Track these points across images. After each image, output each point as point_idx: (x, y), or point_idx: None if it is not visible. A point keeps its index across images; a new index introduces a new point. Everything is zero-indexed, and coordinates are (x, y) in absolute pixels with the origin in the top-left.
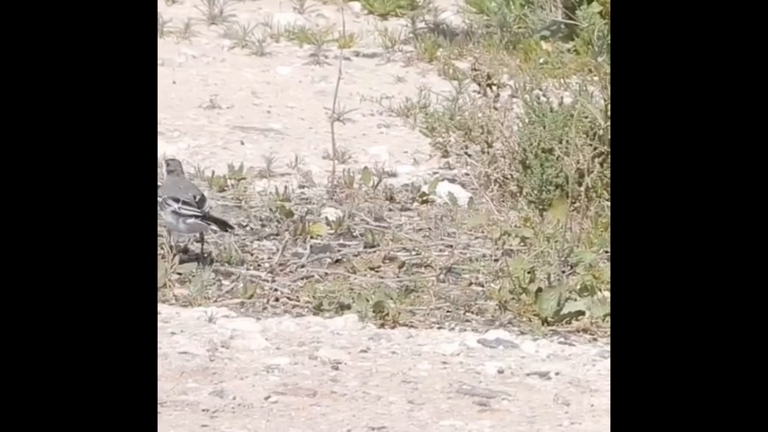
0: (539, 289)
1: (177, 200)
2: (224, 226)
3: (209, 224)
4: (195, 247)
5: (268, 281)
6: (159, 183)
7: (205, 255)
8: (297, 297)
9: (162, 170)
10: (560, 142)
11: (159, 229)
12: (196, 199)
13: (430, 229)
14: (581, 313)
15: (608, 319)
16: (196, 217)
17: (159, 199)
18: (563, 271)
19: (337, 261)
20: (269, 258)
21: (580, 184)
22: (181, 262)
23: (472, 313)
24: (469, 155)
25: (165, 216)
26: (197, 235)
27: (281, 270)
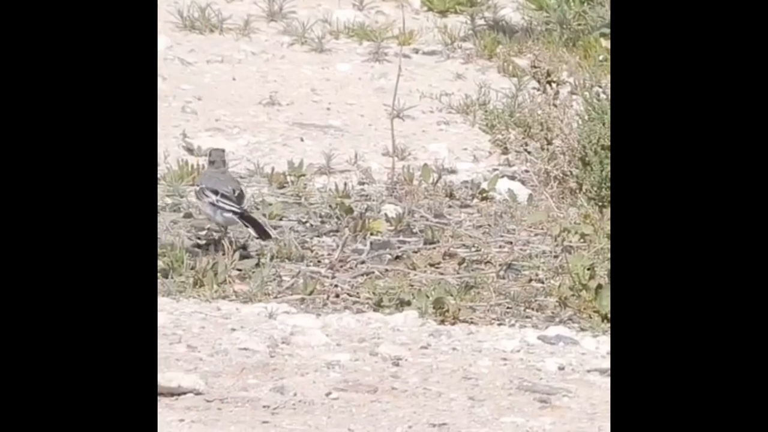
0: (599, 286)
1: (216, 192)
2: (263, 234)
3: (246, 225)
4: (255, 244)
5: (328, 277)
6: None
7: (224, 242)
8: (357, 293)
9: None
10: None
11: (212, 224)
12: (236, 194)
13: (489, 225)
14: None
15: None
16: (234, 213)
17: (197, 188)
18: None
19: (397, 257)
20: (329, 254)
21: None
22: (241, 258)
23: (532, 309)
24: (529, 152)
25: (202, 206)
26: (236, 228)
27: (341, 266)
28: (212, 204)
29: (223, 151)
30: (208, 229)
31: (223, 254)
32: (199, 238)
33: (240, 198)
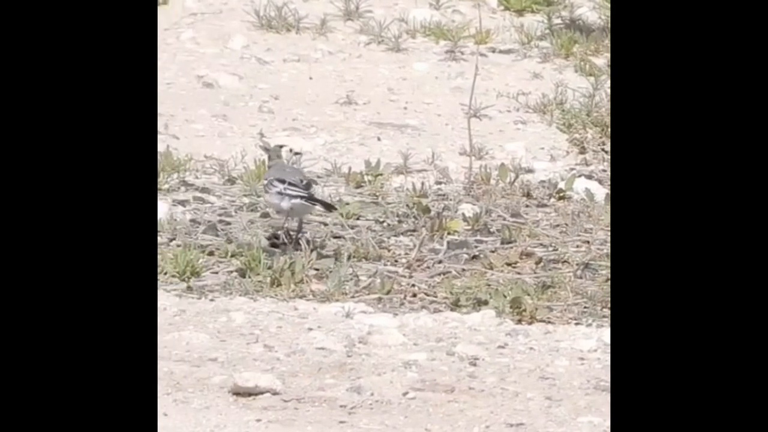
0: None
1: (283, 181)
2: (329, 206)
3: (314, 204)
4: (332, 243)
5: (405, 277)
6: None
7: (301, 242)
8: (434, 293)
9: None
10: None
11: (290, 223)
12: (303, 183)
13: (566, 225)
14: None
15: None
16: (302, 198)
17: (264, 182)
18: None
19: (474, 257)
20: (406, 254)
21: None
22: (318, 258)
23: (609, 308)
24: (606, 151)
25: (269, 198)
26: (300, 221)
27: (418, 266)
28: (279, 193)
29: (280, 147)
30: (286, 228)
31: (301, 253)
32: (276, 237)
33: (308, 186)
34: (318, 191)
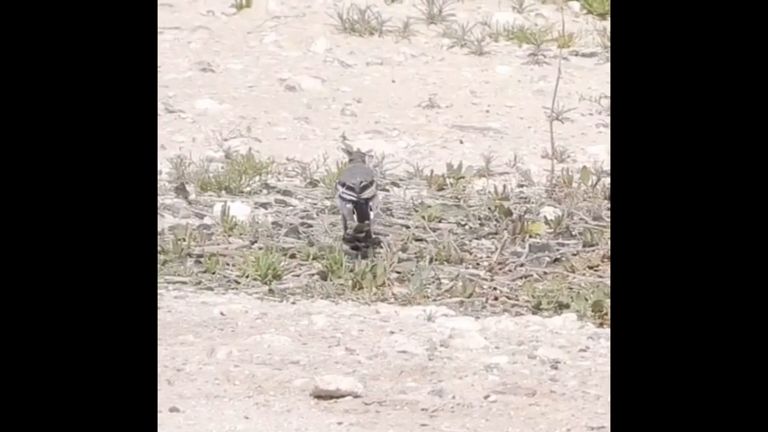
0: None
1: (343, 184)
2: (362, 217)
3: (353, 212)
4: (414, 246)
5: (487, 280)
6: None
7: (386, 249)
8: (516, 296)
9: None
10: None
11: (376, 227)
12: (361, 185)
13: None
14: None
15: None
16: (352, 202)
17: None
18: None
19: (556, 260)
20: (488, 257)
21: None
22: (400, 261)
23: None
24: None
25: (336, 202)
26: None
27: (500, 269)
28: (340, 197)
29: (364, 154)
30: (367, 231)
31: (383, 256)
32: (358, 240)
33: (363, 188)
34: (399, 194)
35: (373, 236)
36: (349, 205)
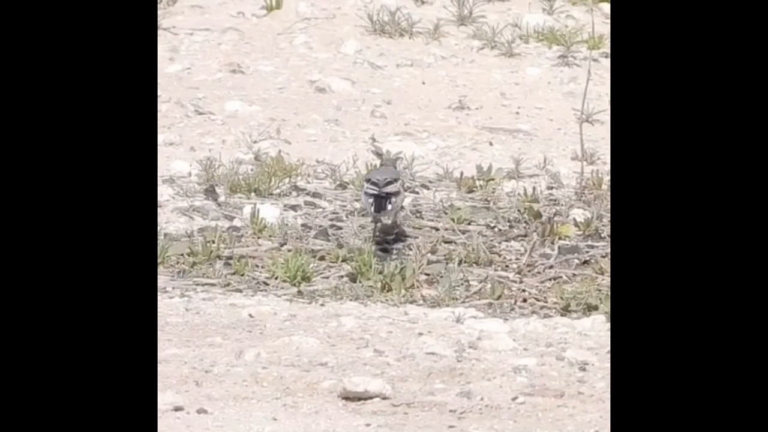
0: None
1: (369, 180)
2: (379, 206)
3: (371, 204)
4: (443, 248)
5: (516, 282)
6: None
7: (415, 251)
8: (545, 298)
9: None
10: None
11: (401, 229)
12: (385, 180)
13: None
14: None
15: None
16: (373, 196)
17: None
18: None
19: (585, 262)
20: (517, 259)
21: None
22: (429, 263)
23: None
24: None
25: (363, 199)
26: (390, 221)
27: (529, 271)
28: (364, 192)
29: (395, 159)
30: (397, 233)
31: (412, 258)
32: (387, 242)
33: (387, 184)
34: (429, 196)
35: (403, 238)
36: (371, 199)
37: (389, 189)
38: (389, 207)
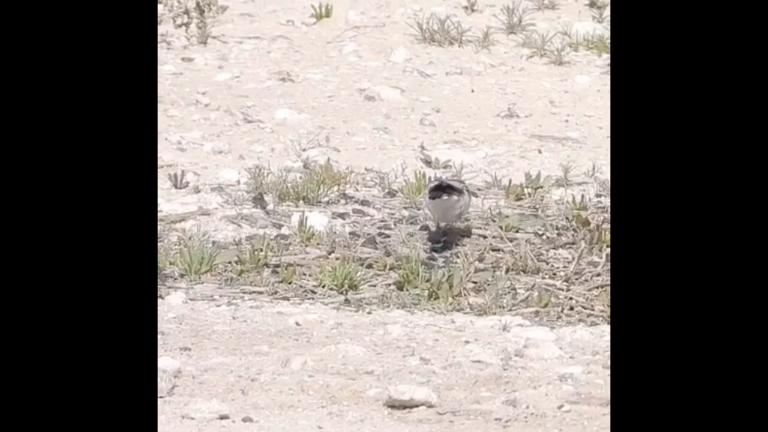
0: None
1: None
2: (439, 192)
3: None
4: (491, 256)
5: (563, 290)
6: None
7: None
8: (592, 306)
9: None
10: None
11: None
12: (446, 182)
13: None
14: None
15: None
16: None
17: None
18: None
19: None
20: (564, 267)
21: None
22: (476, 270)
23: None
24: None
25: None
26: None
27: (576, 279)
28: (429, 192)
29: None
30: (444, 241)
31: (459, 266)
32: (435, 251)
33: (450, 187)
34: (477, 204)
35: (454, 244)
36: (428, 199)
37: (455, 184)
38: (455, 198)
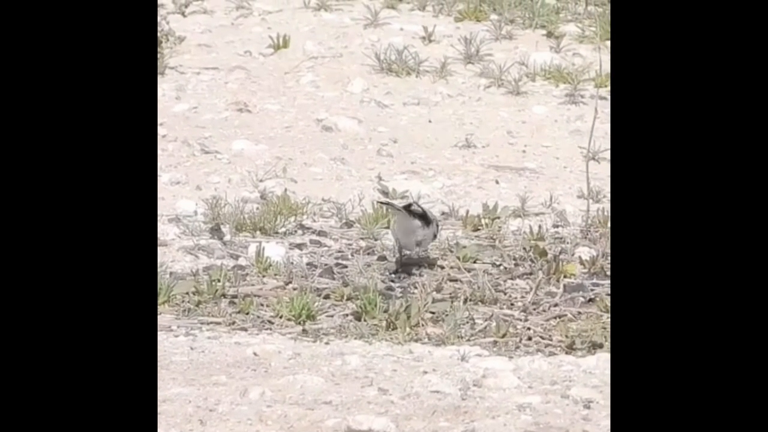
0: None
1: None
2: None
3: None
4: (449, 286)
5: (521, 320)
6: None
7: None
8: (550, 336)
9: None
10: None
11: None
12: (420, 210)
13: None
14: None
15: None
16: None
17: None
18: None
19: (590, 300)
20: (522, 297)
21: None
22: (434, 301)
23: None
24: None
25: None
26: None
27: (534, 309)
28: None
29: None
30: (401, 271)
31: (417, 297)
32: (392, 281)
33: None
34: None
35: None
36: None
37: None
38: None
